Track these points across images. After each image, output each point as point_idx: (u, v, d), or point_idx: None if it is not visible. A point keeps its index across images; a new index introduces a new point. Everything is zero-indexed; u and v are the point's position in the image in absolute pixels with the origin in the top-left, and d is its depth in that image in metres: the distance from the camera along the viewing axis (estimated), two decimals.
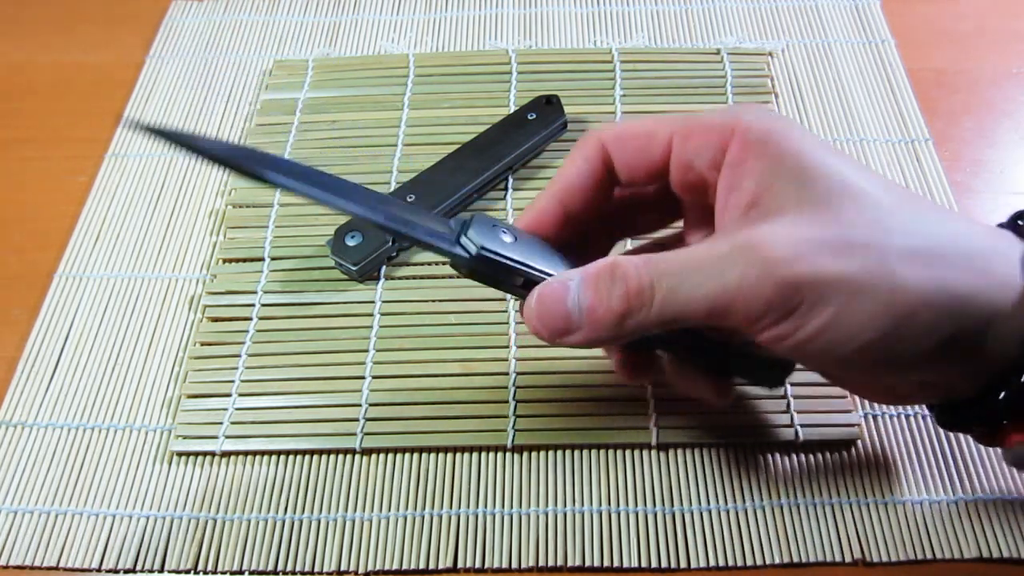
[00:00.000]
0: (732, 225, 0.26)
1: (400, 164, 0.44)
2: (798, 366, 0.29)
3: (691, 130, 0.27)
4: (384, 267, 0.40)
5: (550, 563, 0.32)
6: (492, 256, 0.27)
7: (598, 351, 0.37)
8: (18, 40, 0.53)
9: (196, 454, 0.36)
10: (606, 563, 0.32)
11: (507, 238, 0.27)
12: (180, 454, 0.36)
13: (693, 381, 0.31)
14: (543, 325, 0.27)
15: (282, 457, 0.35)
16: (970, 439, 0.35)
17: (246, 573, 0.33)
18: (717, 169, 0.27)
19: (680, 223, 0.31)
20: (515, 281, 0.28)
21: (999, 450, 0.34)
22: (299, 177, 0.25)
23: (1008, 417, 0.26)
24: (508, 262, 0.27)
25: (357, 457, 0.35)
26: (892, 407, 0.36)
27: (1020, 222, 0.28)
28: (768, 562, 0.32)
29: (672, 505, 0.34)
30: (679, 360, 0.31)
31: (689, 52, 0.49)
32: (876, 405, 0.36)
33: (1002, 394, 0.26)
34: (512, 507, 0.34)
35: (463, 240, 0.27)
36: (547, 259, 0.28)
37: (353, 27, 0.52)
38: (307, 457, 0.35)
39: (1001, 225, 0.28)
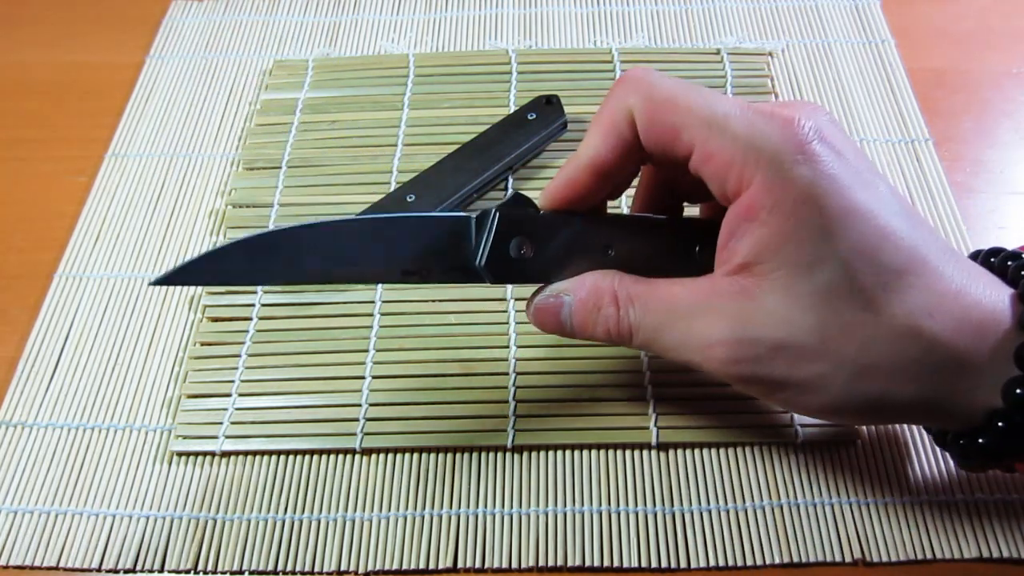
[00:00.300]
0: (722, 278, 0.27)
1: (400, 164, 0.44)
2: None
3: (711, 153, 0.26)
4: None
5: (550, 563, 0.32)
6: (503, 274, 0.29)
7: (598, 352, 0.37)
8: (18, 40, 0.53)
9: (196, 454, 0.36)
10: (606, 563, 0.32)
11: (524, 250, 0.29)
12: (180, 454, 0.36)
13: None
14: (541, 326, 0.31)
15: (282, 457, 0.35)
16: None
17: (246, 573, 0.33)
18: (726, 200, 0.27)
19: None
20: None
21: None
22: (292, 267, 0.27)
23: (1003, 454, 0.27)
24: (522, 264, 0.29)
25: (357, 457, 0.35)
26: None
27: (992, 260, 0.28)
28: (768, 562, 0.32)
29: (672, 505, 0.34)
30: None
31: (689, 52, 0.49)
32: None
33: (980, 439, 0.27)
34: (512, 507, 0.34)
35: (479, 267, 0.29)
36: (566, 253, 0.29)
37: (353, 27, 0.52)
38: (307, 457, 0.35)
39: (972, 256, 0.29)
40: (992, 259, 0.28)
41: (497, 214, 0.28)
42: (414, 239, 0.28)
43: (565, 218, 0.30)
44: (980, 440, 0.26)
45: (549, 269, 0.30)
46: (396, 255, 0.28)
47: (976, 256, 0.29)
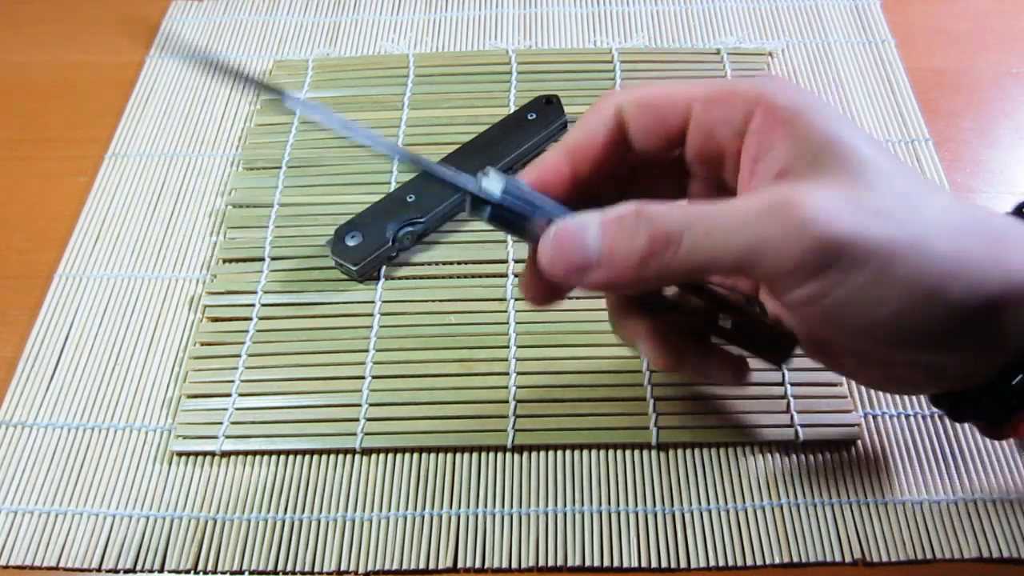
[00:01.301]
0: (763, 189, 0.26)
1: (400, 164, 0.44)
2: (799, 353, 0.29)
3: (713, 97, 0.26)
4: (384, 267, 0.40)
5: (550, 563, 0.32)
6: (516, 198, 0.26)
7: (598, 352, 0.37)
8: (18, 40, 0.53)
9: (196, 454, 0.36)
10: (606, 563, 0.32)
11: (525, 187, 0.27)
12: (180, 454, 0.36)
13: (707, 357, 0.30)
14: (559, 260, 0.25)
15: (282, 457, 0.35)
16: (970, 439, 0.35)
17: (246, 573, 0.33)
18: (740, 138, 0.26)
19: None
20: (534, 228, 0.26)
21: (1000, 450, 0.34)
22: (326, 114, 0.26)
23: (1021, 404, 0.26)
24: (532, 203, 0.26)
25: (357, 457, 0.35)
26: (892, 407, 0.36)
27: None
28: (768, 562, 0.32)
29: (672, 505, 0.34)
30: (690, 332, 0.30)
31: (689, 52, 0.49)
32: (876, 405, 0.36)
33: (1017, 378, 0.25)
34: (512, 507, 0.34)
35: (485, 184, 0.26)
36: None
37: (353, 27, 0.52)
38: (307, 457, 0.35)
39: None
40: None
41: (488, 168, 0.27)
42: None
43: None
44: (1015, 381, 0.26)
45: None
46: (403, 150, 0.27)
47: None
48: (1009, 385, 0.25)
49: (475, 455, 0.35)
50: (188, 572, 0.33)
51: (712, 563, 0.32)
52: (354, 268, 0.39)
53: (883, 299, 0.23)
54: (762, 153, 0.26)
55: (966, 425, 0.35)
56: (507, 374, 0.37)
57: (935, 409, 0.35)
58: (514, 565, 0.32)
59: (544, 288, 0.28)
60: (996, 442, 0.35)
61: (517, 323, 0.38)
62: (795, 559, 0.32)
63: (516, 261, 0.40)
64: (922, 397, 0.36)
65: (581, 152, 0.28)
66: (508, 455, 0.35)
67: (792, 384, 0.36)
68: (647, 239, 0.24)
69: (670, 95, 0.27)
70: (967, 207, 0.25)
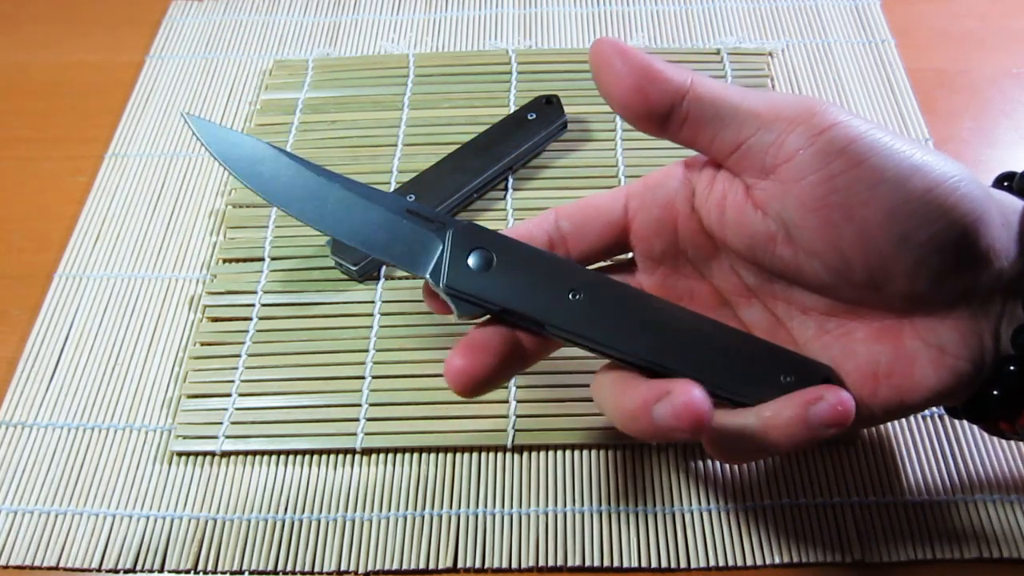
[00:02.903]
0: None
1: (400, 164, 0.44)
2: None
3: (645, 179, 0.29)
4: (384, 267, 0.40)
5: (550, 563, 0.32)
6: (459, 293, 0.27)
7: None
8: (18, 40, 0.53)
9: (196, 454, 0.36)
10: (606, 563, 0.32)
11: (489, 262, 0.26)
12: (180, 454, 0.36)
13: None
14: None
15: (282, 457, 0.35)
16: (970, 439, 0.35)
17: (246, 573, 0.33)
18: (688, 185, 0.28)
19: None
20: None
21: (1000, 450, 0.34)
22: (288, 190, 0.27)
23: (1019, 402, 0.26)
24: (473, 300, 0.27)
25: (357, 457, 0.35)
26: None
27: (1006, 184, 0.28)
28: (768, 562, 0.32)
29: (672, 505, 0.34)
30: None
31: (689, 52, 0.49)
32: None
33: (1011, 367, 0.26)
34: (512, 507, 0.34)
35: (438, 272, 0.27)
36: (529, 283, 0.27)
37: (353, 27, 0.52)
38: (307, 457, 0.35)
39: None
40: (1006, 183, 0.28)
41: (452, 230, 0.27)
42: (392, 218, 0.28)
43: (527, 246, 0.28)
44: (995, 392, 0.26)
45: (508, 293, 0.27)
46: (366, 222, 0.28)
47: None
48: (1008, 371, 0.26)
49: (475, 455, 0.35)
50: (188, 572, 0.33)
51: (712, 563, 0.32)
52: (354, 268, 0.39)
53: (873, 178, 0.24)
54: (719, 186, 0.28)
55: (967, 425, 0.35)
56: None
57: (939, 409, 0.35)
58: (514, 565, 0.32)
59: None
60: (997, 442, 0.35)
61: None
62: (795, 559, 0.32)
63: None
64: None
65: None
66: (508, 455, 0.35)
67: None
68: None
69: (601, 195, 0.29)
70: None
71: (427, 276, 0.27)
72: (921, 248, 0.25)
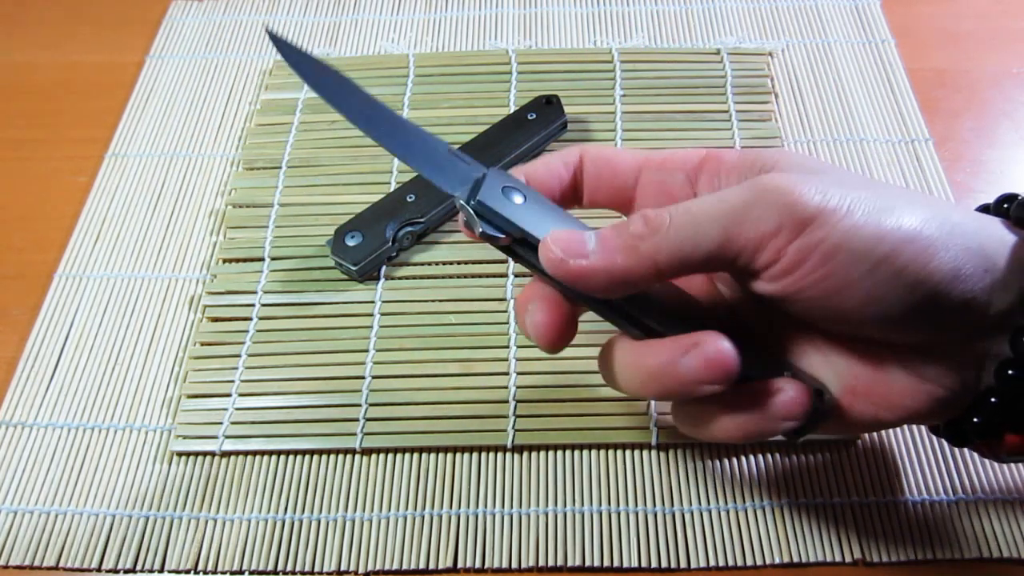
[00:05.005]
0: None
1: (400, 164, 0.44)
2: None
3: (663, 159, 0.30)
4: (384, 267, 0.40)
5: (550, 563, 0.32)
6: (489, 212, 0.27)
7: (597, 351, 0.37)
8: (18, 40, 0.53)
9: (196, 454, 0.36)
10: (606, 563, 0.32)
11: (517, 199, 0.27)
12: (180, 454, 0.36)
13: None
14: (557, 245, 0.26)
15: (282, 457, 0.35)
16: None
17: (246, 573, 0.33)
18: (692, 186, 0.29)
19: None
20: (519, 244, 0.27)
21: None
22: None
23: (1003, 420, 0.26)
24: (504, 223, 0.27)
25: (357, 457, 0.35)
26: None
27: (1006, 205, 0.28)
28: (768, 562, 0.32)
29: (672, 505, 0.34)
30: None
31: (689, 52, 0.49)
32: None
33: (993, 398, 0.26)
34: (512, 507, 0.34)
35: (471, 196, 0.27)
36: (556, 222, 0.27)
37: (353, 27, 0.52)
38: (307, 457, 0.35)
39: (983, 208, 0.29)
40: (1006, 204, 0.28)
41: (490, 170, 0.28)
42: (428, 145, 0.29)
43: (557, 206, 0.28)
44: (975, 419, 0.27)
45: (533, 223, 0.27)
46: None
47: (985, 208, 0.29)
48: (988, 401, 0.26)
49: (475, 455, 0.35)
50: (188, 572, 0.33)
51: (712, 563, 0.32)
52: (354, 268, 0.39)
53: (850, 260, 0.24)
54: (717, 187, 0.28)
55: None
56: (507, 374, 0.37)
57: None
58: (514, 565, 0.32)
59: (555, 315, 0.28)
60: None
61: (517, 323, 0.38)
62: (795, 559, 0.32)
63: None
64: None
65: (538, 183, 0.29)
66: (508, 455, 0.35)
67: None
68: (640, 222, 0.25)
69: (624, 157, 0.30)
70: (942, 206, 0.26)
71: (459, 193, 0.28)
72: (898, 319, 0.25)
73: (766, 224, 0.24)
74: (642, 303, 0.27)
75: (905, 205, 0.25)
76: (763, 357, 0.27)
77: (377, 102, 0.30)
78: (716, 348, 0.24)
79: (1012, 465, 0.34)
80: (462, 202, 0.27)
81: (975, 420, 0.27)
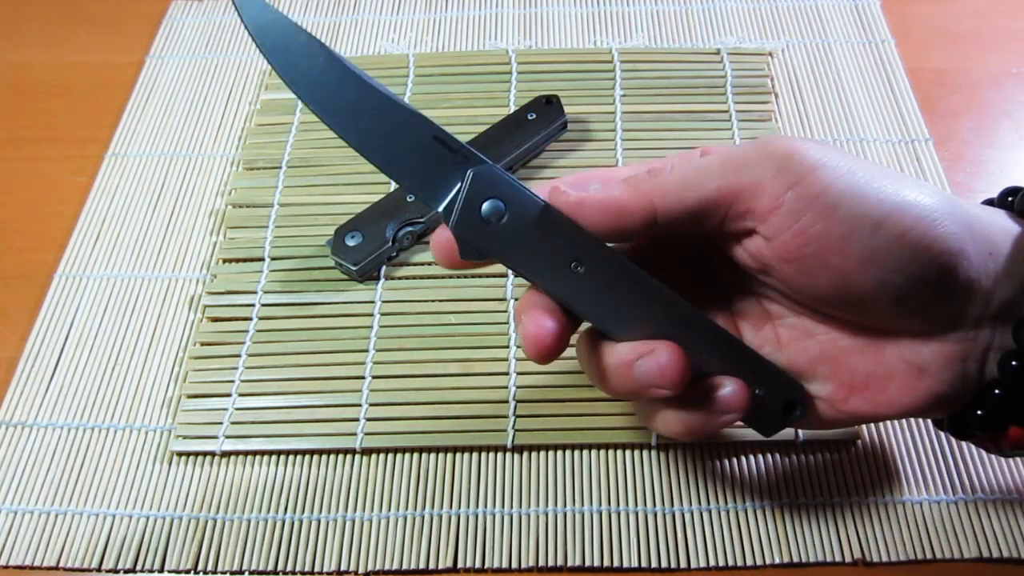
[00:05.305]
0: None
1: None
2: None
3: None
4: (384, 267, 0.40)
5: (550, 563, 0.32)
6: (466, 238, 0.27)
7: None
8: (18, 40, 0.53)
9: (196, 454, 0.36)
10: (606, 563, 0.32)
11: (499, 216, 0.26)
12: (180, 454, 0.36)
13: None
14: (564, 183, 0.27)
15: (282, 457, 0.35)
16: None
17: (246, 573, 0.33)
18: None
19: None
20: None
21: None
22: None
23: (1007, 414, 0.26)
24: (484, 249, 0.27)
25: (357, 457, 0.35)
26: None
27: (1010, 199, 0.28)
28: (768, 562, 0.32)
29: (672, 505, 0.34)
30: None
31: (689, 52, 0.49)
32: None
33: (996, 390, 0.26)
34: (512, 507, 0.34)
35: (451, 211, 0.27)
36: (534, 245, 0.27)
37: (353, 27, 0.52)
38: (307, 457, 0.35)
39: (988, 202, 0.29)
40: (1010, 198, 0.28)
41: (472, 171, 0.27)
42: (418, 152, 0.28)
43: (543, 202, 0.27)
44: (978, 412, 0.27)
45: (511, 250, 0.27)
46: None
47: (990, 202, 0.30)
48: (992, 393, 0.26)
49: (475, 455, 0.35)
50: (188, 572, 0.33)
51: (712, 563, 0.32)
52: (354, 268, 0.39)
53: (851, 216, 0.24)
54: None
55: None
56: (507, 374, 0.37)
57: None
58: (514, 565, 0.32)
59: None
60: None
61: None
62: (795, 559, 0.32)
63: None
64: None
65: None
66: (508, 455, 0.35)
67: None
68: (644, 166, 0.27)
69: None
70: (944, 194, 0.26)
71: (439, 210, 0.27)
72: (898, 289, 0.25)
73: (765, 171, 0.25)
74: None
75: (907, 179, 0.25)
76: (770, 370, 0.28)
77: (351, 69, 0.29)
78: (670, 355, 0.26)
79: (1012, 465, 0.34)
80: (443, 219, 0.27)
81: (978, 413, 0.27)
